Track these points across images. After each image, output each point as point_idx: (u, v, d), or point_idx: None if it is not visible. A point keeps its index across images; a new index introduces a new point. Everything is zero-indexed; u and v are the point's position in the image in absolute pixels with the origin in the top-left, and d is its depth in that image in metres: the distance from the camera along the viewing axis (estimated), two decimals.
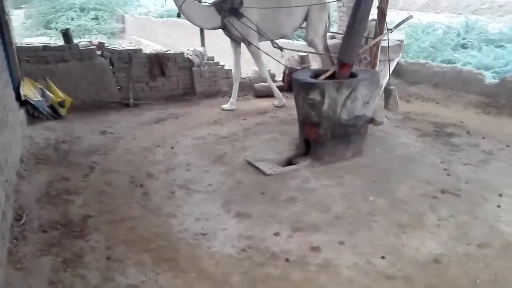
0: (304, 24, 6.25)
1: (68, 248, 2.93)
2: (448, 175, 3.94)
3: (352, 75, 4.28)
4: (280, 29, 6.07)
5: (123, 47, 7.67)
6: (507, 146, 4.54)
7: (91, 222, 3.27)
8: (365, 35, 5.00)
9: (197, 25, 6.01)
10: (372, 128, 4.54)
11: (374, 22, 5.01)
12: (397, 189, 3.69)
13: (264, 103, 6.63)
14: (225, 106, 6.22)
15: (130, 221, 3.30)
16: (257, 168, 4.14)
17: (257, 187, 3.79)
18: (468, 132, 4.99)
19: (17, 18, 17.42)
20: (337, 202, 3.50)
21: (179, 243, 3.01)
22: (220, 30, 5.92)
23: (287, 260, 2.78)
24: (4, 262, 2.66)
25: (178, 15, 5.65)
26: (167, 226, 3.23)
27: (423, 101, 6.49)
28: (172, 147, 4.84)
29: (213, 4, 5.72)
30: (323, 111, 4.03)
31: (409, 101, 6.52)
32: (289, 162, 4.29)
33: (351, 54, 4.19)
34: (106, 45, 7.05)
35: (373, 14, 4.76)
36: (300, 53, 7.10)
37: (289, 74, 6.81)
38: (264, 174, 4.02)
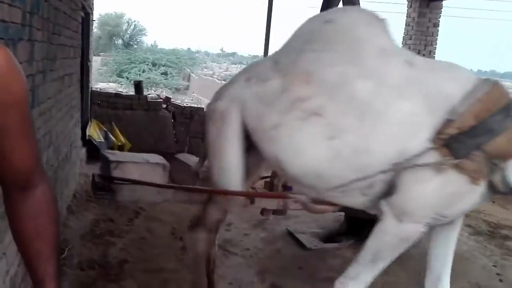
0: None
1: None
2: (501, 280, 3.65)
3: None
4: None
5: (186, 104, 8.11)
6: None
7: (127, 268, 3.29)
8: None
9: None
10: None
11: None
12: None
13: None
14: None
15: (165, 273, 3.28)
16: (297, 239, 4.06)
17: (296, 260, 3.68)
18: None
19: (94, 64, 19.10)
20: None
21: None
22: None
23: None
24: None
25: None
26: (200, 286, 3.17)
27: None
28: None
29: None
30: None
31: None
32: (332, 239, 4.17)
33: None
34: (172, 100, 7.51)
35: None
36: None
37: None
38: (305, 247, 3.92)
